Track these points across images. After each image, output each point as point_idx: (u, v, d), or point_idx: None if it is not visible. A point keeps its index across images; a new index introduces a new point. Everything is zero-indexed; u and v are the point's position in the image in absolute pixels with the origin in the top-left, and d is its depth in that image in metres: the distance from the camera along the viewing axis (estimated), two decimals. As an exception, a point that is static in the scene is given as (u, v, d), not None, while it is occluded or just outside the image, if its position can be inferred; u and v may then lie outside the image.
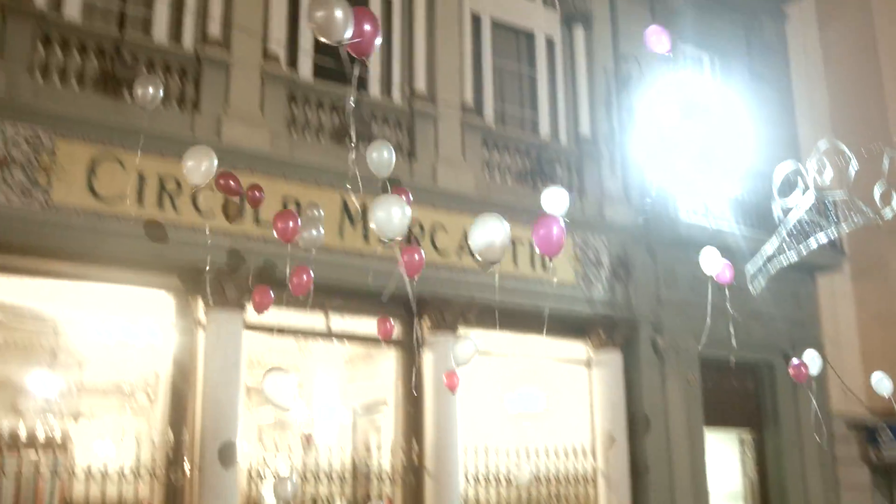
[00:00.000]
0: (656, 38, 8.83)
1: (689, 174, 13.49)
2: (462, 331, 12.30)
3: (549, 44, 15.17)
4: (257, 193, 9.59)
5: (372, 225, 6.26)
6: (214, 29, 11.54)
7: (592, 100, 14.92)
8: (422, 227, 12.41)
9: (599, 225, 14.31)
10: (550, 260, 7.13)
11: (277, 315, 10.04)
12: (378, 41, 5.84)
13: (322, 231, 9.08)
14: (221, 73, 11.46)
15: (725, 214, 14.83)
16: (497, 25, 14.68)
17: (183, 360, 10.82)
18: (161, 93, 8.98)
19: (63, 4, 10.79)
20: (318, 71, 12.44)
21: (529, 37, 15.06)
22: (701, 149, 13.49)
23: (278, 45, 12.01)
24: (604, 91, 15.06)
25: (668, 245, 14.62)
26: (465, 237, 12.71)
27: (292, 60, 12.29)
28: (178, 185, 10.63)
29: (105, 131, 10.33)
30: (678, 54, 16.04)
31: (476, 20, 14.30)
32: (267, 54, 11.86)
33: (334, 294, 11.28)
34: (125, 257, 10.32)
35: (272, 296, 9.24)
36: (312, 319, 11.79)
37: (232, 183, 8.96)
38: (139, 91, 8.96)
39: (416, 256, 7.86)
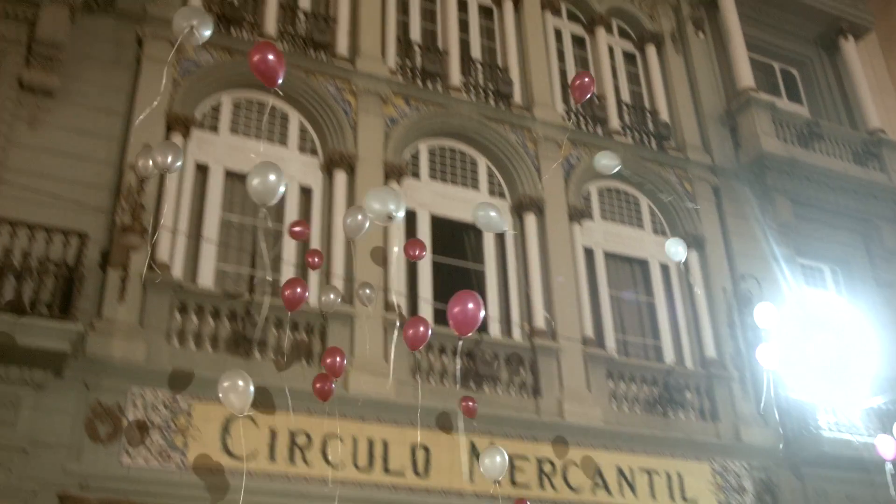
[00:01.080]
0: (580, 84, 8.43)
1: (825, 389, 13.00)
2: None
3: (664, 269, 15.24)
4: (471, 404, 9.55)
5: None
6: (337, 285, 12.03)
7: (714, 321, 14.73)
8: (552, 465, 12.15)
9: (737, 449, 13.71)
10: (461, 338, 6.59)
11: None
12: (280, 80, 6.36)
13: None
14: (346, 327, 11.85)
15: (870, 427, 14.05)
16: (610, 256, 14.90)
17: None
18: None
19: (198, 274, 11.52)
20: (438, 316, 12.72)
21: (643, 264, 15.19)
22: (835, 362, 13.06)
23: (398, 295, 12.41)
24: (725, 312, 14.86)
25: (813, 464, 13.84)
26: (599, 472, 12.39)
27: (413, 308, 12.65)
28: (309, 438, 10.79)
29: (237, 390, 10.66)
30: (797, 268, 15.88)
31: (589, 253, 14.56)
32: (388, 305, 12.25)
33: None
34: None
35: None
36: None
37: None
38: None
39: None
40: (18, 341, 9.47)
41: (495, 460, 8.22)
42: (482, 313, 6.37)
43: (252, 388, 7.46)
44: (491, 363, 12.54)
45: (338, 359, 8.72)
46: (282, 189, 6.53)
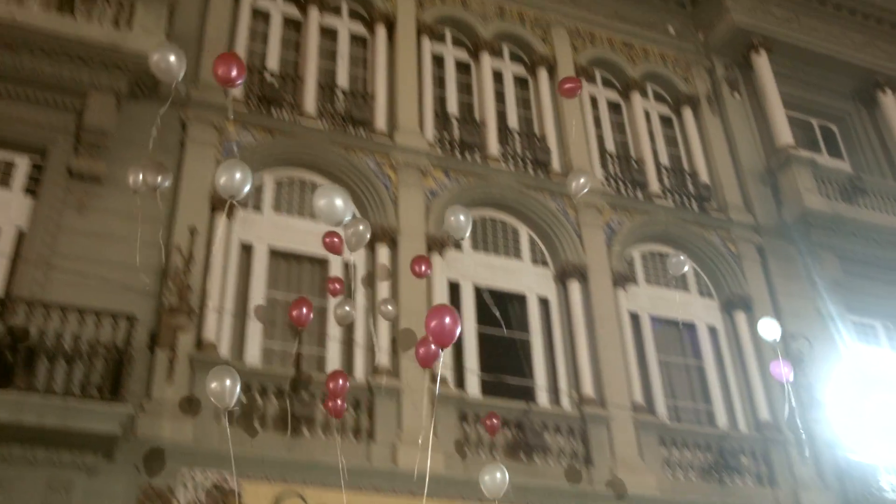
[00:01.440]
0: (569, 89, 8.74)
1: (886, 448, 12.66)
2: None
3: (712, 332, 15.04)
4: (494, 421, 9.70)
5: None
6: (383, 359, 12.02)
7: (766, 383, 14.43)
8: (608, 536, 11.87)
9: (799, 515, 13.35)
10: (441, 350, 6.47)
11: None
12: (240, 82, 6.45)
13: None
14: (393, 401, 11.79)
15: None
16: (656, 320, 14.74)
17: None
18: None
19: (244, 352, 11.57)
20: (486, 387, 12.64)
21: (691, 327, 15.00)
22: (894, 420, 12.75)
23: (444, 367, 12.35)
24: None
25: (879, 528, 13.42)
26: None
27: (459, 380, 12.56)
28: (360, 514, 10.67)
29: (287, 468, 10.63)
30: (849, 326, 15.58)
31: (634, 318, 14.42)
32: (434, 377, 12.17)
33: None
34: None
35: None
36: None
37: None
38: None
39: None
40: (70, 425, 9.54)
41: (495, 477, 8.10)
42: (459, 329, 6.34)
43: (238, 387, 7.51)
44: (540, 433, 12.38)
45: (340, 381, 8.78)
46: (248, 187, 6.69)
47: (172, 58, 6.62)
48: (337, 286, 9.41)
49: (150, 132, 12.13)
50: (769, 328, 10.05)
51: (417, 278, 9.41)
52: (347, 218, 6.61)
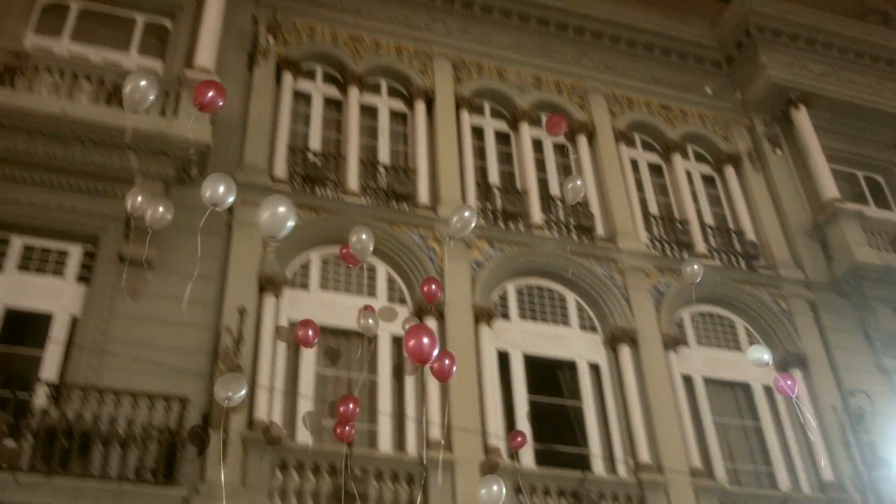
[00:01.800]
0: (555, 124, 9.40)
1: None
2: None
3: (768, 391, 14.74)
4: (519, 439, 9.91)
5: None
6: (435, 433, 11.95)
7: (828, 442, 14.07)
8: None
9: (868, 578, 12.89)
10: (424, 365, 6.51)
11: None
12: (221, 103, 6.63)
13: None
14: (446, 474, 11.68)
15: None
16: (710, 382, 14.50)
17: None
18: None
19: (296, 430, 11.58)
20: (540, 457, 12.49)
21: (745, 387, 14.73)
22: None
23: (497, 438, 12.24)
24: (838, 431, 14.21)
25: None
26: None
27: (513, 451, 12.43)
28: (417, 592, 10.54)
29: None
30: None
31: (688, 381, 14.21)
32: (487, 448, 12.07)
33: None
34: None
35: None
36: None
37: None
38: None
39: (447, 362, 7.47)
40: (126, 510, 9.60)
41: (492, 489, 7.96)
42: (437, 350, 6.57)
43: (244, 391, 7.62)
44: (597, 502, 12.16)
45: (350, 405, 8.77)
46: (231, 198, 6.85)
47: (143, 83, 6.82)
48: (367, 310, 9.57)
49: (196, 216, 12.45)
50: (758, 354, 9.84)
51: (429, 302, 9.51)
52: (291, 223, 6.68)
